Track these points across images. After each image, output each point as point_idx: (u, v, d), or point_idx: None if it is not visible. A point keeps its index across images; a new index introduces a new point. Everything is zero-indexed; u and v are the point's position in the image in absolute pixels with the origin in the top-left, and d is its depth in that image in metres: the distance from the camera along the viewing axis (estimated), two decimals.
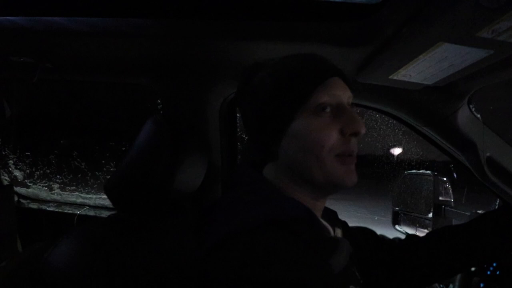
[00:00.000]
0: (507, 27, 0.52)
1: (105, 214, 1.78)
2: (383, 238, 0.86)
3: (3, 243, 1.60)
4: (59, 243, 0.63)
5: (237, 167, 0.70)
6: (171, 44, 0.92)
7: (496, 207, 1.19)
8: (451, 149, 1.04)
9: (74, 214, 1.77)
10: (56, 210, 1.88)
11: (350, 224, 0.84)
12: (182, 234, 0.77)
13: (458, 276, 1.07)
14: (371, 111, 1.12)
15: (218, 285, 0.47)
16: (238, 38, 0.86)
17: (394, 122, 1.12)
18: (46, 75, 1.16)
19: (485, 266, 1.01)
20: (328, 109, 0.58)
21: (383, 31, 0.71)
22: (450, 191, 1.33)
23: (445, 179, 1.34)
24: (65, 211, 1.83)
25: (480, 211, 1.16)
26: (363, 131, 0.58)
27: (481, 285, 1.00)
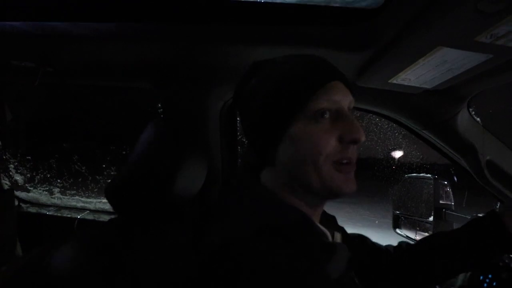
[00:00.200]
0: (505, 32, 0.52)
1: (105, 218, 1.77)
2: (377, 245, 0.87)
3: (4, 247, 1.59)
4: (60, 247, 0.63)
5: (235, 171, 0.69)
6: (172, 48, 0.92)
7: (497, 210, 1.19)
8: (451, 152, 1.04)
9: (74, 218, 1.76)
10: (57, 214, 1.88)
11: (350, 228, 0.84)
12: (182, 239, 0.77)
13: None
14: (371, 114, 1.12)
15: None
16: (238, 42, 0.87)
17: (394, 125, 1.12)
18: (47, 79, 1.17)
19: (481, 278, 1.00)
20: (327, 115, 0.56)
21: (383, 35, 0.71)
22: (451, 195, 1.32)
23: (445, 182, 1.34)
24: (66, 215, 1.83)
25: (481, 215, 1.16)
26: (363, 138, 0.56)
27: None
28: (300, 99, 0.55)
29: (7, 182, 2.54)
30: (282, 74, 0.58)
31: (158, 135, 0.77)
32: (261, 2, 0.77)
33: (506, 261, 0.98)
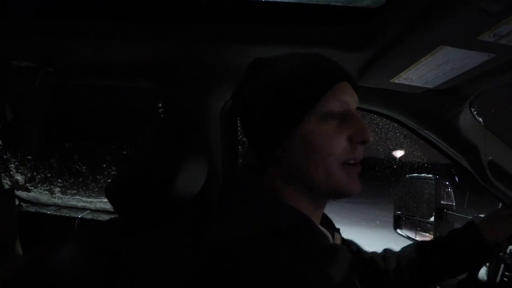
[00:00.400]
0: (508, 31, 0.52)
1: (106, 218, 1.77)
2: (362, 252, 0.88)
3: (4, 247, 1.59)
4: (61, 247, 0.63)
5: (235, 171, 0.69)
6: (172, 48, 0.92)
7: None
8: (453, 152, 1.04)
9: (75, 218, 1.77)
10: (57, 214, 1.88)
11: (351, 229, 0.84)
12: (182, 239, 0.77)
13: None
14: (372, 114, 1.12)
15: None
16: (238, 42, 0.86)
17: (396, 125, 1.12)
18: (48, 79, 1.17)
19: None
20: (336, 115, 0.56)
21: (385, 34, 0.71)
22: (452, 195, 1.32)
23: (446, 182, 1.33)
24: (66, 215, 1.83)
25: (482, 215, 1.16)
26: (371, 139, 0.56)
27: None
28: (311, 99, 0.55)
29: (8, 182, 2.54)
30: (291, 72, 0.57)
31: (159, 135, 0.77)
32: (262, 1, 0.76)
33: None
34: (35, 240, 1.80)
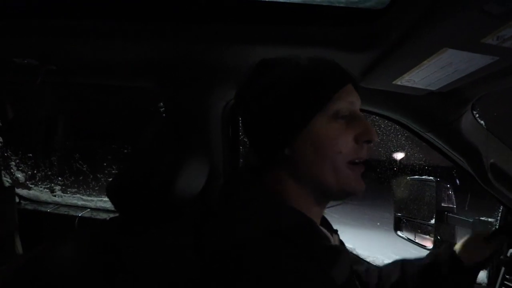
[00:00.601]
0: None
1: (106, 216, 1.77)
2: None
3: (4, 245, 1.60)
4: (61, 246, 0.63)
5: (236, 171, 0.69)
6: (174, 47, 0.92)
7: (500, 213, 1.19)
8: (454, 155, 1.03)
9: (75, 217, 1.76)
10: (57, 212, 1.88)
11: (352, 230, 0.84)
12: (182, 239, 0.77)
13: None
14: (374, 116, 1.11)
15: None
16: (240, 42, 0.86)
17: (397, 127, 1.11)
18: (50, 77, 1.17)
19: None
20: (344, 116, 0.58)
21: (388, 36, 0.70)
22: (453, 197, 1.32)
23: (447, 185, 1.33)
24: (66, 213, 1.83)
25: (482, 218, 1.16)
26: (376, 139, 0.59)
27: None
28: (324, 99, 0.57)
29: (8, 180, 2.54)
30: (301, 74, 0.58)
31: (160, 134, 0.77)
32: (264, 1, 0.76)
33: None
34: (35, 238, 1.80)
